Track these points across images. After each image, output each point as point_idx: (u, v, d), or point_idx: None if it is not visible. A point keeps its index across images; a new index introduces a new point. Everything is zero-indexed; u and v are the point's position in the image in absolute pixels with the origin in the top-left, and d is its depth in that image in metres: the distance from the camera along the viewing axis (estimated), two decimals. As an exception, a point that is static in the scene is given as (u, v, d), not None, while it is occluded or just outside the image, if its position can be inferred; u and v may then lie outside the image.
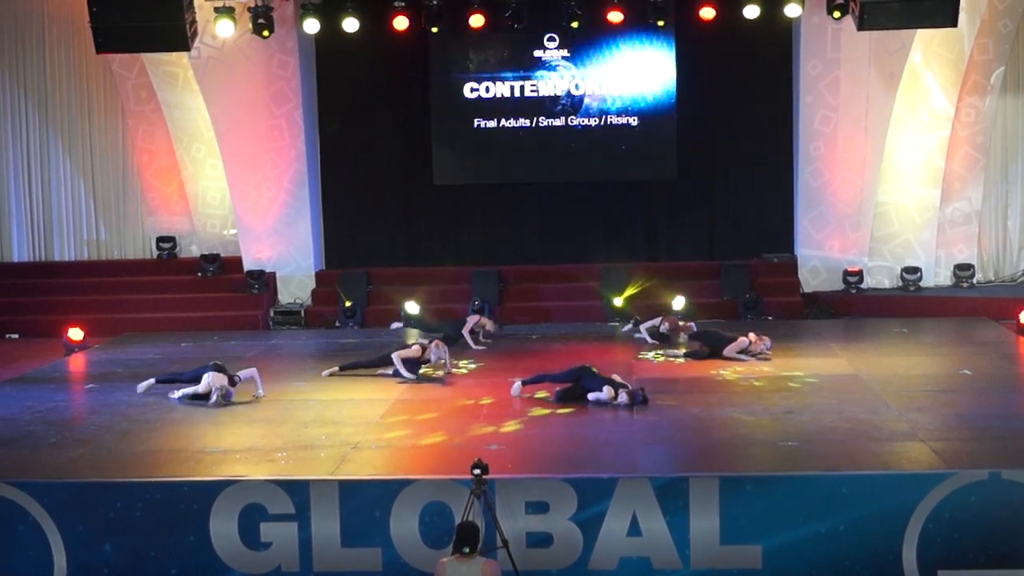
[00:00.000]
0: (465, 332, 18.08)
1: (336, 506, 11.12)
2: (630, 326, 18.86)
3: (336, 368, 16.28)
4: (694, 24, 20.80)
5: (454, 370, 16.30)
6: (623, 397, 13.96)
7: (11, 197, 23.02)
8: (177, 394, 14.84)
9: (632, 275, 20.81)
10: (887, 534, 10.82)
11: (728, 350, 16.57)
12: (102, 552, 11.28)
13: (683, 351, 17.20)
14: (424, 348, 15.92)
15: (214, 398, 14.41)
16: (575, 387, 14.33)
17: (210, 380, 14.52)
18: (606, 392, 14.01)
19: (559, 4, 20.46)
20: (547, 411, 14.05)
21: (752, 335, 16.80)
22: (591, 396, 14.12)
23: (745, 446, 12.38)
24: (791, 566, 10.87)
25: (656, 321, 18.08)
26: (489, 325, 18.50)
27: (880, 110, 20.88)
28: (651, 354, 17.31)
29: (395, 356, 15.83)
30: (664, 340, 17.91)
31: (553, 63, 21.69)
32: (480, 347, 17.95)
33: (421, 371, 15.90)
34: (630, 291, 20.46)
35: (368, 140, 22.39)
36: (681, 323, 17.83)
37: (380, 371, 16.05)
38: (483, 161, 22.24)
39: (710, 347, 16.89)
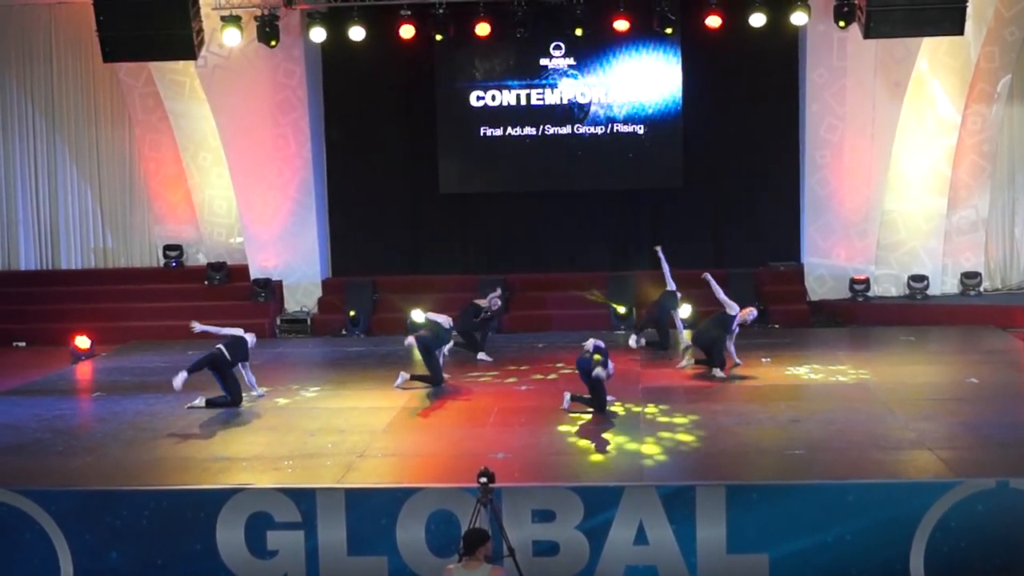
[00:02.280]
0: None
1: (342, 514, 11.14)
2: (634, 337, 18.74)
3: (408, 376, 16.14)
4: (700, 32, 20.79)
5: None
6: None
7: (19, 205, 23.07)
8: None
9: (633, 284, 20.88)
10: (894, 543, 10.81)
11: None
12: (109, 560, 11.30)
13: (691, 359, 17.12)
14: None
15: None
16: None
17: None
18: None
19: (565, 12, 20.48)
20: (554, 419, 14.04)
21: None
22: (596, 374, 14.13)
23: (751, 455, 12.38)
24: (798, 575, 10.86)
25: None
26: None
27: (886, 118, 20.87)
28: (684, 361, 17.21)
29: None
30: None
31: (559, 71, 21.70)
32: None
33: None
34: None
35: (374, 149, 22.40)
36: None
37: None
38: (489, 170, 22.23)
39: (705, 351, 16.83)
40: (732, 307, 16.52)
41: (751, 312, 16.83)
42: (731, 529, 10.89)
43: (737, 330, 16.61)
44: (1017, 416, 13.57)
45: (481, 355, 17.85)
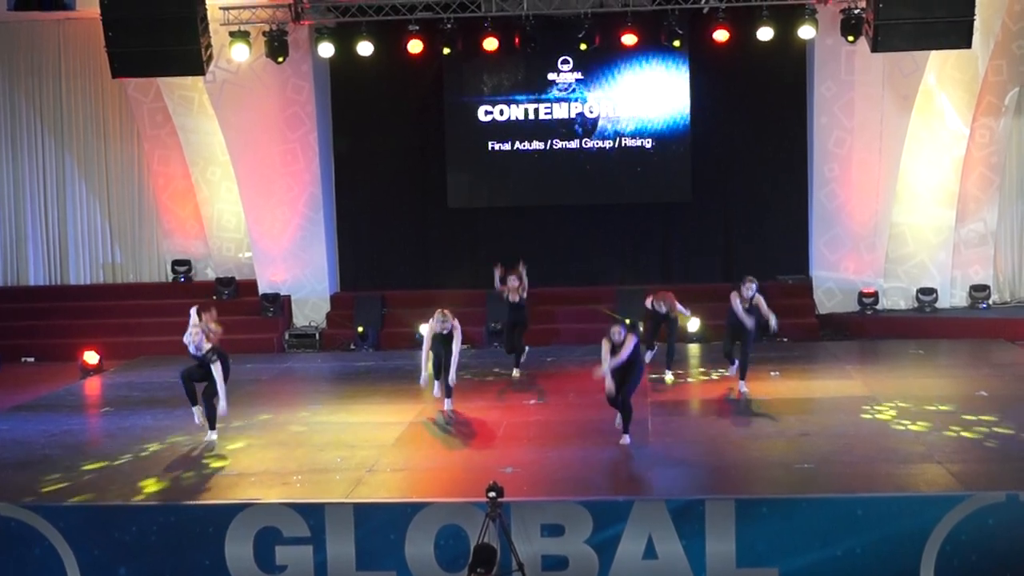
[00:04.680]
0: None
1: (351, 529, 11.13)
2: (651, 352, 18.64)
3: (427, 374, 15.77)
4: (708, 46, 20.82)
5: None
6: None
7: (27, 221, 23.12)
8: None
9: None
10: (904, 557, 10.79)
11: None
12: (117, 575, 11.28)
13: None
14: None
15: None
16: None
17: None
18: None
19: (573, 27, 20.51)
20: (562, 433, 14.02)
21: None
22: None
23: (761, 468, 12.35)
24: (808, 589, 10.84)
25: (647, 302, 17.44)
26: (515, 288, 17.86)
27: (895, 131, 20.86)
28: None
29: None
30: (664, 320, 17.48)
31: (567, 85, 21.73)
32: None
33: None
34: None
35: (383, 163, 22.44)
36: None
37: None
38: (497, 184, 22.25)
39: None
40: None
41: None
42: (740, 543, 10.86)
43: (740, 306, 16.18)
44: (1027, 429, 13.53)
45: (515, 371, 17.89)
